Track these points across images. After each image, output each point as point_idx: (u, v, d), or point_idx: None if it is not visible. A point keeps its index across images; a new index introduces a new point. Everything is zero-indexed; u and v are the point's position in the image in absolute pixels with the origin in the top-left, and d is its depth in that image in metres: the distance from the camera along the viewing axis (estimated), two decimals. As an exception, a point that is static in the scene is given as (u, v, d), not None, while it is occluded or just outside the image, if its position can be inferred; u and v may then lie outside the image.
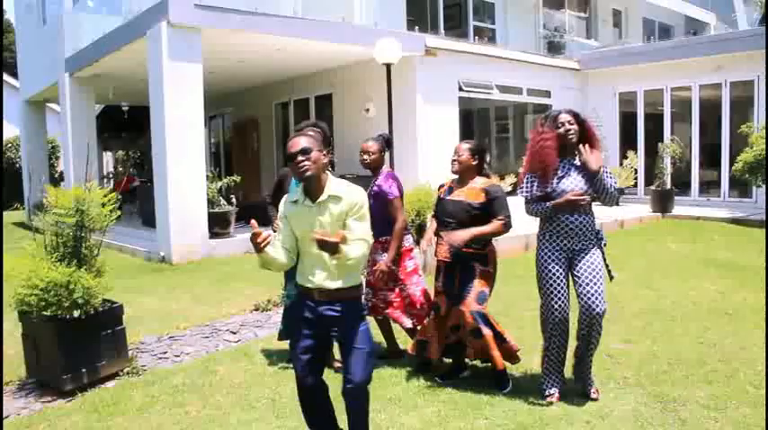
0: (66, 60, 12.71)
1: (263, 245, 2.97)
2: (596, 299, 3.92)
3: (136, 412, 4.14)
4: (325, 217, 3.08)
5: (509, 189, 11.94)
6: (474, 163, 4.40)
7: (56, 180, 19.28)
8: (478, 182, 4.39)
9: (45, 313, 4.40)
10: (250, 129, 16.54)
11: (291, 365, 4.68)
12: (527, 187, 4.13)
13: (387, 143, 4.90)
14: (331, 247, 2.89)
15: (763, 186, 11.34)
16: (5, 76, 23.14)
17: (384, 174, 4.77)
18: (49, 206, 4.69)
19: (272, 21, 9.95)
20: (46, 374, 4.66)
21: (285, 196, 3.34)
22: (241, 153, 16.88)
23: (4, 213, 20.10)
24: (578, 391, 4.13)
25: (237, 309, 6.65)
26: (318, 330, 3.15)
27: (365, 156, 4.77)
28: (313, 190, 3.11)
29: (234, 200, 10.97)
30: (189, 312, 6.60)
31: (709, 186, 13.90)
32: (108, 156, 26.02)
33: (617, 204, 4.31)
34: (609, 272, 4.07)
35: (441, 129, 11.86)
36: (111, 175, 22.77)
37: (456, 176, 4.50)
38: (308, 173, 3.04)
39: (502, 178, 12.25)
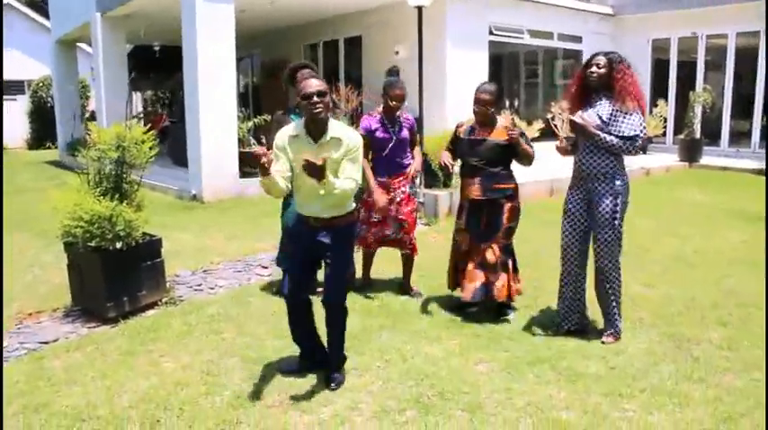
0: (97, 0, 12.77)
1: (268, 165, 3.19)
2: (599, 249, 4.09)
3: (176, 338, 4.41)
4: (325, 156, 3.29)
5: (536, 135, 11.93)
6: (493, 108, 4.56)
7: (86, 119, 19.54)
8: (500, 122, 4.55)
9: (90, 244, 4.65)
10: (279, 70, 16.54)
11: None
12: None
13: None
14: (317, 172, 3.17)
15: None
16: (38, 16, 23.28)
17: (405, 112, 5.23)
18: (92, 142, 4.89)
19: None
20: (90, 302, 4.94)
21: (283, 129, 3.55)
22: (269, 94, 16.94)
23: (38, 152, 20.55)
24: (597, 330, 4.31)
25: (268, 245, 6.88)
26: (311, 254, 3.54)
27: (400, 104, 5.06)
28: (318, 130, 3.40)
29: (264, 140, 11.12)
30: (221, 248, 6.86)
31: (740, 137, 13.72)
32: (137, 97, 26.22)
33: (644, 152, 4.36)
34: (615, 220, 4.05)
35: (470, 73, 11.77)
36: (140, 115, 23.00)
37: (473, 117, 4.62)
38: (322, 114, 3.34)
39: (530, 123, 12.20)
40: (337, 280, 3.58)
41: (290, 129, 3.51)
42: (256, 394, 3.53)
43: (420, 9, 8.52)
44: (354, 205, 3.60)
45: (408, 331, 4.41)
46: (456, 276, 4.78)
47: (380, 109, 5.11)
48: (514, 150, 4.45)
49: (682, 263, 6.05)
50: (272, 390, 3.57)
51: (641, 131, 3.95)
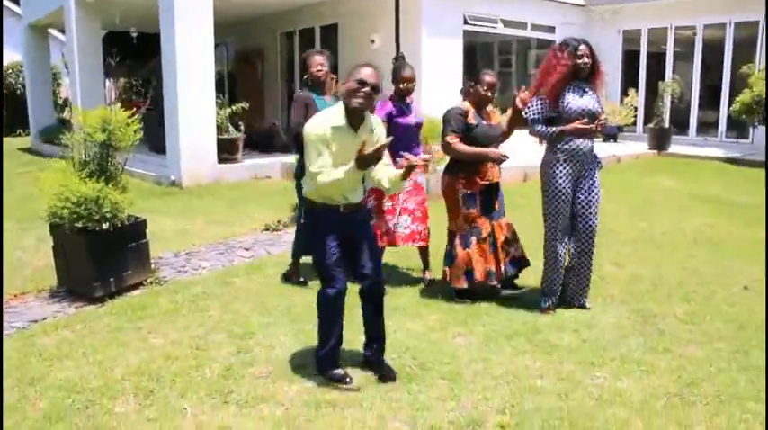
0: (71, -16, 12.66)
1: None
2: (594, 217, 4.37)
3: (163, 315, 4.52)
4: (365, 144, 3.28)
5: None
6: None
7: (59, 106, 19.29)
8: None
9: (76, 225, 4.73)
10: (254, 58, 16.55)
11: (303, 279, 5.11)
12: (536, 109, 4.36)
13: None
14: (377, 158, 3.21)
15: (760, 127, 11.55)
16: (6, 2, 22.84)
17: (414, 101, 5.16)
18: (77, 126, 4.95)
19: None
20: (76, 283, 5.02)
21: (318, 119, 3.40)
22: (245, 82, 16.93)
23: (8, 139, 20.23)
24: (571, 306, 4.53)
25: (249, 229, 7.00)
26: (342, 240, 3.46)
27: (411, 85, 5.06)
28: (359, 121, 3.36)
29: (241, 126, 11.19)
30: (203, 232, 6.96)
31: (708, 126, 14.09)
32: (110, 83, 25.92)
33: (614, 140, 4.68)
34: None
35: (444, 62, 11.94)
36: (114, 103, 22.77)
37: (467, 102, 4.70)
38: (366, 108, 3.31)
39: (504, 111, 12.42)
40: (376, 254, 3.65)
41: (329, 119, 3.34)
42: (245, 366, 3.67)
43: (397, -2, 8.65)
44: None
45: (389, 308, 4.52)
46: (468, 271, 4.63)
47: (389, 96, 4.97)
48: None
49: (650, 244, 6.30)
50: (260, 362, 3.72)
51: None
